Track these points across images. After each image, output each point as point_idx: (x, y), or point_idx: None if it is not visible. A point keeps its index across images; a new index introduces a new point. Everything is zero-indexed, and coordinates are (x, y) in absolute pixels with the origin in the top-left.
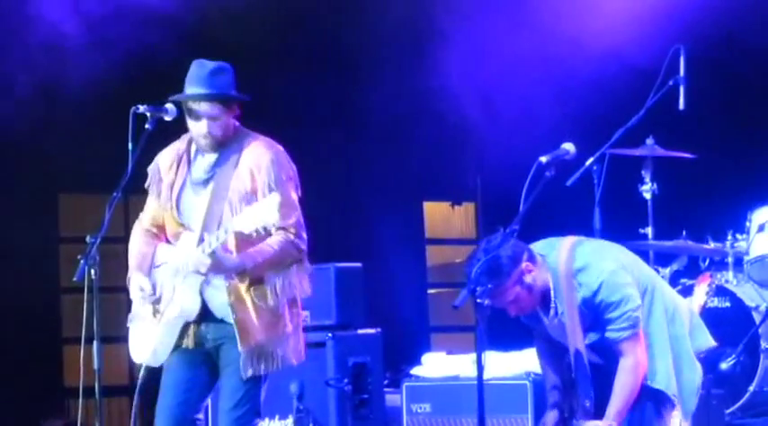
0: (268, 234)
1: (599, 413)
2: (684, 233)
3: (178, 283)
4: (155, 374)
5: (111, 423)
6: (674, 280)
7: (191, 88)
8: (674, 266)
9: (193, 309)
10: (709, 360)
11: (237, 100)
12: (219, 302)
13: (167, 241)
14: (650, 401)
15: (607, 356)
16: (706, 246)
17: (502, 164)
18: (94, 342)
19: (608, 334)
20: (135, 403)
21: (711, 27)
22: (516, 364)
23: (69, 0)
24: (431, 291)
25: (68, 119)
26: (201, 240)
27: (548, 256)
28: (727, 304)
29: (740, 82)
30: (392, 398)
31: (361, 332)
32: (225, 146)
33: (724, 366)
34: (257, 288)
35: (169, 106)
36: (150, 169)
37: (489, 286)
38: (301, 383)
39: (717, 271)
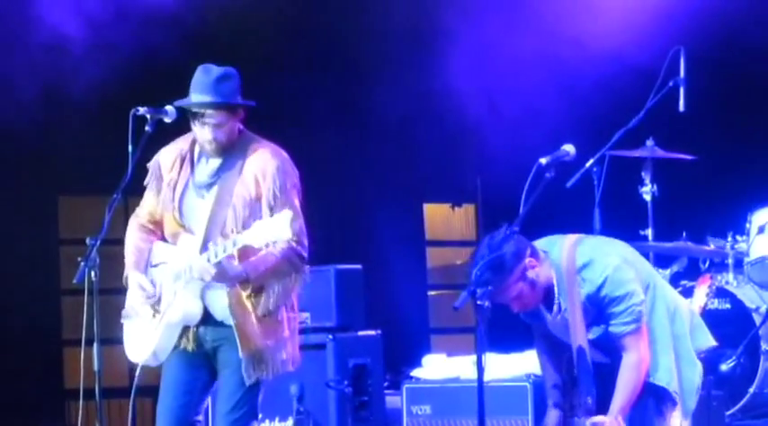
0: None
1: (600, 411)
2: (684, 234)
3: (179, 288)
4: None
5: (112, 425)
6: (674, 282)
7: (196, 95)
8: (675, 267)
9: (196, 314)
10: (709, 362)
11: (243, 106)
12: (220, 305)
13: (163, 237)
14: (652, 398)
15: (610, 352)
16: (706, 248)
17: (502, 165)
18: (95, 344)
19: (611, 329)
20: (132, 402)
21: (712, 28)
22: (516, 366)
23: (71, 2)
24: (431, 293)
25: (69, 121)
26: (205, 245)
27: (551, 253)
28: (728, 305)
29: (740, 83)
30: (392, 400)
31: (361, 333)
32: (229, 150)
33: (724, 367)
34: (258, 295)
35: (169, 108)
36: (150, 165)
37: (491, 284)
38: (301, 385)
39: (717, 273)
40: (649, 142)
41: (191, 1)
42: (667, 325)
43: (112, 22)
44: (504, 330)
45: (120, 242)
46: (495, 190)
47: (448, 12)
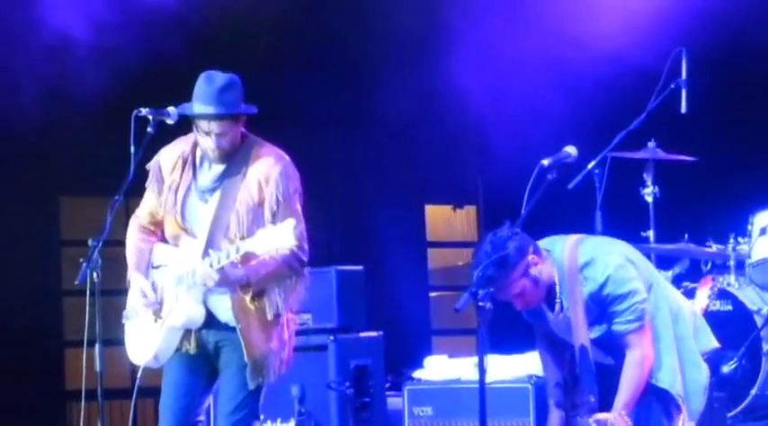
0: None
1: (603, 410)
2: (686, 236)
3: (181, 292)
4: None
5: None
6: (675, 284)
7: (199, 105)
8: (676, 269)
9: (198, 318)
10: (710, 363)
11: (247, 114)
12: (223, 309)
13: (163, 238)
14: (657, 402)
15: (612, 351)
16: (708, 249)
17: (503, 166)
18: (97, 345)
19: (615, 327)
20: (133, 403)
21: (714, 30)
22: (518, 367)
23: (73, 3)
24: (432, 294)
25: (70, 122)
26: (207, 251)
27: (553, 251)
28: (729, 307)
29: (742, 85)
30: (394, 401)
31: (362, 335)
32: (232, 155)
33: (726, 369)
34: (260, 300)
35: (171, 109)
36: (151, 166)
37: (495, 280)
38: (303, 386)
39: (719, 275)
40: (651, 144)
41: (192, 2)
42: (670, 326)
43: (114, 24)
44: (506, 331)
45: (121, 243)
46: (497, 191)
47: (449, 13)
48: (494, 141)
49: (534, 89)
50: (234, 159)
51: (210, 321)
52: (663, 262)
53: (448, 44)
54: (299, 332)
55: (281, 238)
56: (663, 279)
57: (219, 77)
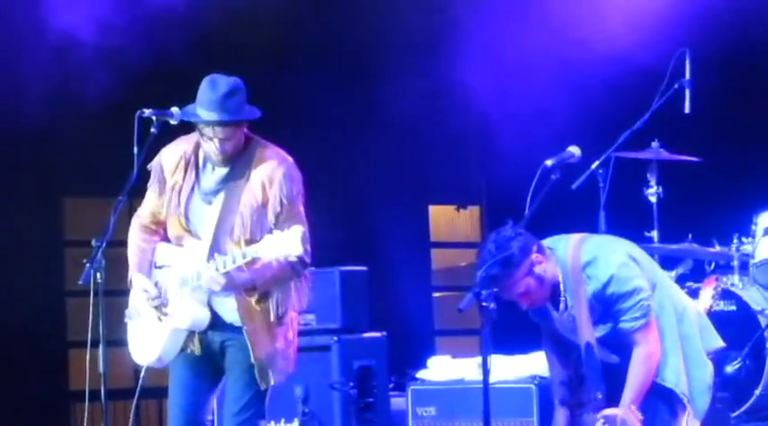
0: None
1: (609, 407)
2: (690, 236)
3: (185, 294)
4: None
5: None
6: (679, 284)
7: (203, 111)
8: (680, 269)
9: (204, 321)
10: (714, 363)
11: (250, 120)
12: (228, 310)
13: (165, 237)
14: (663, 401)
15: (617, 350)
16: (711, 250)
17: (507, 167)
18: (100, 346)
19: (621, 325)
20: (135, 404)
21: (717, 30)
22: (522, 367)
23: (78, 5)
24: (436, 294)
25: (74, 123)
26: (212, 252)
27: (556, 250)
28: (733, 307)
29: (745, 85)
30: (397, 402)
31: (366, 335)
32: (236, 157)
33: (729, 369)
34: (265, 301)
35: (174, 110)
36: (152, 166)
37: (499, 279)
38: (306, 386)
39: (722, 275)
40: (655, 144)
41: (196, 2)
42: (675, 325)
43: (118, 25)
44: (510, 332)
45: (125, 244)
46: (501, 191)
47: (454, 13)
48: (497, 141)
49: (538, 89)
50: (237, 161)
51: (215, 322)
52: (666, 263)
53: (452, 44)
54: (302, 333)
55: (288, 245)
56: (667, 278)
57: (223, 83)
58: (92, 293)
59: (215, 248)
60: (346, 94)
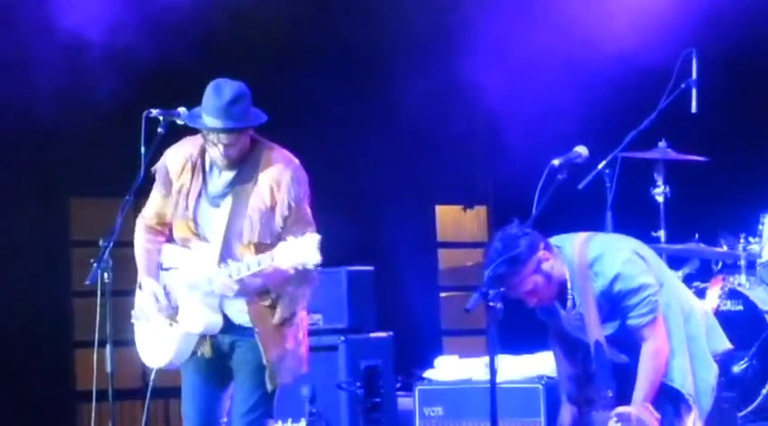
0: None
1: (620, 405)
2: (697, 236)
3: (196, 298)
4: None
5: None
6: (686, 283)
7: (207, 117)
8: (687, 269)
9: (216, 324)
10: (721, 363)
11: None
12: (237, 311)
13: (170, 238)
14: (668, 402)
15: (625, 349)
16: (718, 249)
17: (514, 167)
18: (107, 346)
19: (629, 322)
20: (147, 405)
21: (724, 30)
22: (529, 367)
23: (85, 5)
24: (442, 294)
25: (81, 123)
26: (223, 256)
27: (563, 248)
28: (740, 307)
29: (752, 84)
30: (404, 401)
31: (372, 335)
32: (243, 161)
33: (736, 369)
34: (276, 303)
35: (181, 110)
36: (157, 168)
37: (507, 277)
38: (313, 386)
39: (729, 275)
40: (661, 144)
41: (203, 3)
42: (681, 325)
43: (126, 25)
44: (516, 331)
45: (132, 244)
46: (508, 191)
47: (461, 12)
48: (504, 141)
49: (545, 89)
50: (244, 165)
51: (226, 325)
52: (673, 262)
53: (459, 44)
54: (309, 333)
55: (305, 254)
56: (675, 278)
57: (228, 89)
58: (99, 293)
59: (225, 252)
60: (353, 94)
